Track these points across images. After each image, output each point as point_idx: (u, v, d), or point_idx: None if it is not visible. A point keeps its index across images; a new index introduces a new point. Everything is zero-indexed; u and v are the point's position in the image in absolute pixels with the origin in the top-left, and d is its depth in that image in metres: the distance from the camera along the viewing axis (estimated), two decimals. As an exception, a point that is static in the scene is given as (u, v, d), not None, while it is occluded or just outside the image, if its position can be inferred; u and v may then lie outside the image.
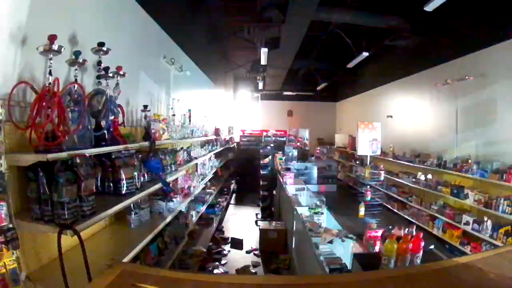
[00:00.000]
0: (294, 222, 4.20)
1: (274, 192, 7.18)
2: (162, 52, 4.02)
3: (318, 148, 11.40)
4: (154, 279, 1.01)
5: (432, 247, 2.39)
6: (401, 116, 8.13)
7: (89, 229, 1.65)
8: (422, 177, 6.33)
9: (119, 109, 2.16)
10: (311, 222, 3.39)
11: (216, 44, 6.95)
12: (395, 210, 7.24)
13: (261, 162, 7.90)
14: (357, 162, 9.39)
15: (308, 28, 5.56)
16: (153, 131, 2.66)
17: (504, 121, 4.75)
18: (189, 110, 4.65)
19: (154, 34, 3.83)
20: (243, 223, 6.81)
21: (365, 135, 6.64)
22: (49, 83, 1.51)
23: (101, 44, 1.98)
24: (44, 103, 1.47)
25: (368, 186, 6.41)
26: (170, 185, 2.98)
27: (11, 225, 1.30)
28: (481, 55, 5.21)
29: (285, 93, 12.72)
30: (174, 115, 4.04)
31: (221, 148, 7.43)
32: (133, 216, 2.51)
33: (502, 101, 4.82)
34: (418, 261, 1.91)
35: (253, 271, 4.50)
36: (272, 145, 9.04)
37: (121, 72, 2.22)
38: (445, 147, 6.06)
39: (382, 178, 6.65)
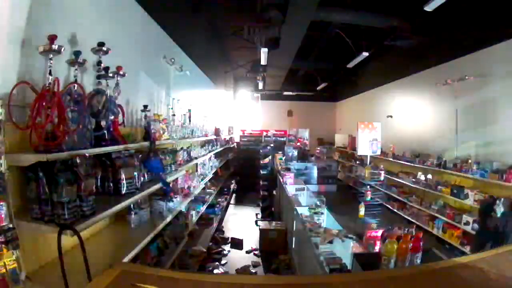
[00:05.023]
0: (294, 222, 4.20)
1: (274, 192, 7.18)
2: (162, 52, 4.02)
3: (318, 148, 11.42)
4: (154, 279, 1.01)
5: (432, 247, 2.38)
6: (401, 116, 8.13)
7: (89, 229, 1.65)
8: (422, 177, 6.33)
9: (119, 109, 2.16)
10: (311, 222, 3.39)
11: (216, 44, 6.95)
12: (395, 210, 7.24)
13: (261, 162, 7.90)
14: (357, 162, 9.39)
15: (308, 28, 5.56)
16: (153, 131, 2.66)
17: (504, 121, 4.75)
18: (189, 110, 4.66)
19: (154, 34, 3.83)
20: (243, 223, 6.80)
21: (365, 135, 6.63)
22: (49, 83, 1.51)
23: (101, 44, 1.99)
24: (44, 103, 1.47)
25: (368, 186, 6.40)
26: (170, 185, 2.98)
27: (11, 225, 1.30)
28: (481, 55, 5.21)
29: (285, 93, 12.71)
30: (174, 115, 4.04)
31: (221, 148, 7.43)
32: (133, 216, 2.52)
33: (502, 101, 4.82)
34: (418, 261, 1.91)
35: (253, 271, 4.50)
36: (272, 145, 9.05)
37: (121, 72, 2.22)
38: (445, 147, 6.05)
39: (382, 178, 6.63)
